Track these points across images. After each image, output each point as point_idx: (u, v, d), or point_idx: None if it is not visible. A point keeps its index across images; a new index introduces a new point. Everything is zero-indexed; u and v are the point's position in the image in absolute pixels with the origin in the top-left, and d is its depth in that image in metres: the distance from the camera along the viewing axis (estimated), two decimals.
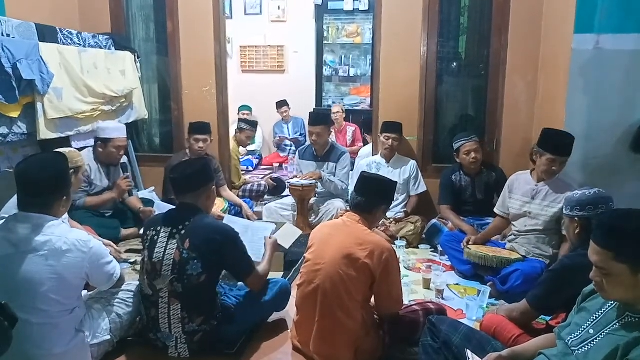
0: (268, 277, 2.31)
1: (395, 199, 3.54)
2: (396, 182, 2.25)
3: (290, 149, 6.25)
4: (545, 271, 2.07)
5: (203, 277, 1.99)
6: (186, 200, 2.10)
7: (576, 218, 1.93)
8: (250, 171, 5.74)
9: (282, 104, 6.39)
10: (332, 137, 5.15)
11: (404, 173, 3.76)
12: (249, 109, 6.46)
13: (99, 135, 3.35)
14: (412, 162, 3.80)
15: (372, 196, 2.10)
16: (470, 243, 2.94)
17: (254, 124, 4.87)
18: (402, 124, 3.75)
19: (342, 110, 6.06)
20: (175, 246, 2.00)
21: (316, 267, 2.01)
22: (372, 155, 4.10)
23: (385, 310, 2.07)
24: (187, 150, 3.83)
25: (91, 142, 3.49)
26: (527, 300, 1.98)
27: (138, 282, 2.21)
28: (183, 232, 2.01)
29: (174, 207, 3.26)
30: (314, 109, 6.46)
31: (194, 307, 2.01)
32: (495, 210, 3.01)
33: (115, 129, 3.39)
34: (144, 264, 2.07)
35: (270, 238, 2.53)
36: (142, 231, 3.28)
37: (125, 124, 3.85)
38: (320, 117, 4.13)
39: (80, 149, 3.12)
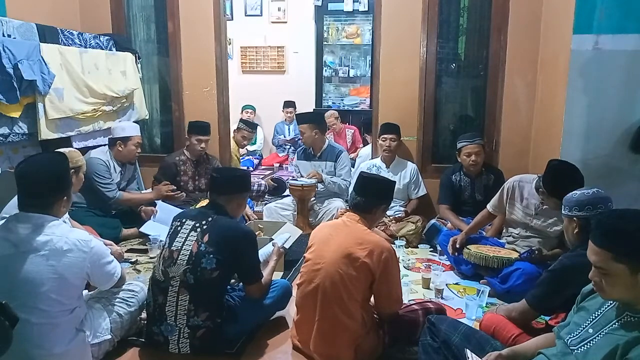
0: None
1: (395, 201, 3.55)
2: (395, 182, 2.26)
3: (289, 149, 6.26)
4: (545, 271, 2.07)
5: (215, 273, 2.02)
6: (218, 201, 2.17)
7: (575, 218, 1.93)
8: (251, 171, 5.75)
9: (289, 104, 6.38)
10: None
11: (404, 178, 3.76)
12: (253, 108, 6.48)
13: (119, 134, 3.47)
14: (413, 166, 3.80)
15: (371, 196, 2.11)
16: (458, 244, 2.93)
17: (252, 126, 4.86)
18: (399, 126, 3.76)
19: (335, 116, 6.01)
20: (195, 238, 2.05)
21: (316, 267, 2.02)
22: (372, 157, 4.10)
23: (385, 309, 2.08)
24: (185, 149, 3.85)
25: (92, 142, 3.51)
26: (526, 300, 1.99)
27: (140, 281, 2.24)
28: (205, 226, 2.08)
29: (176, 207, 3.36)
30: (313, 109, 6.47)
31: (202, 302, 2.03)
32: (488, 207, 3.00)
33: (133, 128, 3.56)
34: (162, 251, 2.13)
35: (280, 248, 2.57)
36: (141, 229, 3.37)
37: None
38: (305, 116, 4.20)
39: (82, 149, 3.13)
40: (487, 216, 3.03)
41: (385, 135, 3.74)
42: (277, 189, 4.79)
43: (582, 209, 1.90)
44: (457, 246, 2.94)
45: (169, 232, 2.18)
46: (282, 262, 3.02)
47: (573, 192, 1.98)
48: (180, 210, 2.73)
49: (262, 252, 2.51)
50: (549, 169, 2.47)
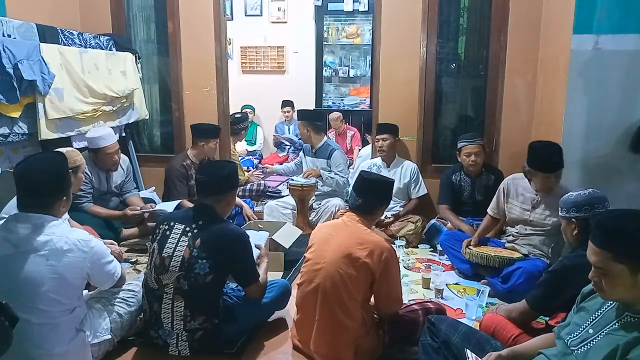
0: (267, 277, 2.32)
1: (394, 200, 3.55)
2: (394, 181, 2.26)
3: (289, 149, 6.26)
4: (545, 272, 2.07)
5: (209, 278, 2.00)
6: (206, 202, 2.12)
7: (573, 219, 1.94)
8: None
9: (286, 103, 6.38)
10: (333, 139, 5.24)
11: (404, 177, 3.76)
12: (252, 108, 6.48)
13: (88, 145, 3.34)
14: (413, 166, 3.79)
15: (371, 197, 2.11)
16: (471, 244, 2.93)
17: (246, 117, 5.00)
18: (396, 125, 3.76)
19: (340, 119, 6.10)
20: (186, 244, 2.01)
21: (316, 267, 2.02)
22: (372, 156, 4.11)
23: (385, 309, 2.08)
24: (189, 152, 3.82)
25: None
26: (526, 301, 1.99)
27: (140, 281, 2.22)
28: (196, 230, 2.03)
29: (176, 204, 3.36)
30: (313, 109, 6.47)
31: (197, 307, 2.02)
32: (489, 210, 3.02)
33: (102, 138, 3.30)
34: (153, 257, 2.08)
35: (264, 248, 2.54)
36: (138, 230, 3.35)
37: (125, 124, 3.88)
38: (300, 113, 4.36)
39: (82, 149, 3.13)
40: (491, 220, 3.03)
41: (378, 136, 3.76)
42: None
43: (579, 210, 1.91)
44: (472, 245, 2.92)
45: (156, 236, 2.11)
46: (282, 262, 3.02)
47: (569, 193, 1.98)
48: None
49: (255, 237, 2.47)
50: (529, 148, 2.70)
